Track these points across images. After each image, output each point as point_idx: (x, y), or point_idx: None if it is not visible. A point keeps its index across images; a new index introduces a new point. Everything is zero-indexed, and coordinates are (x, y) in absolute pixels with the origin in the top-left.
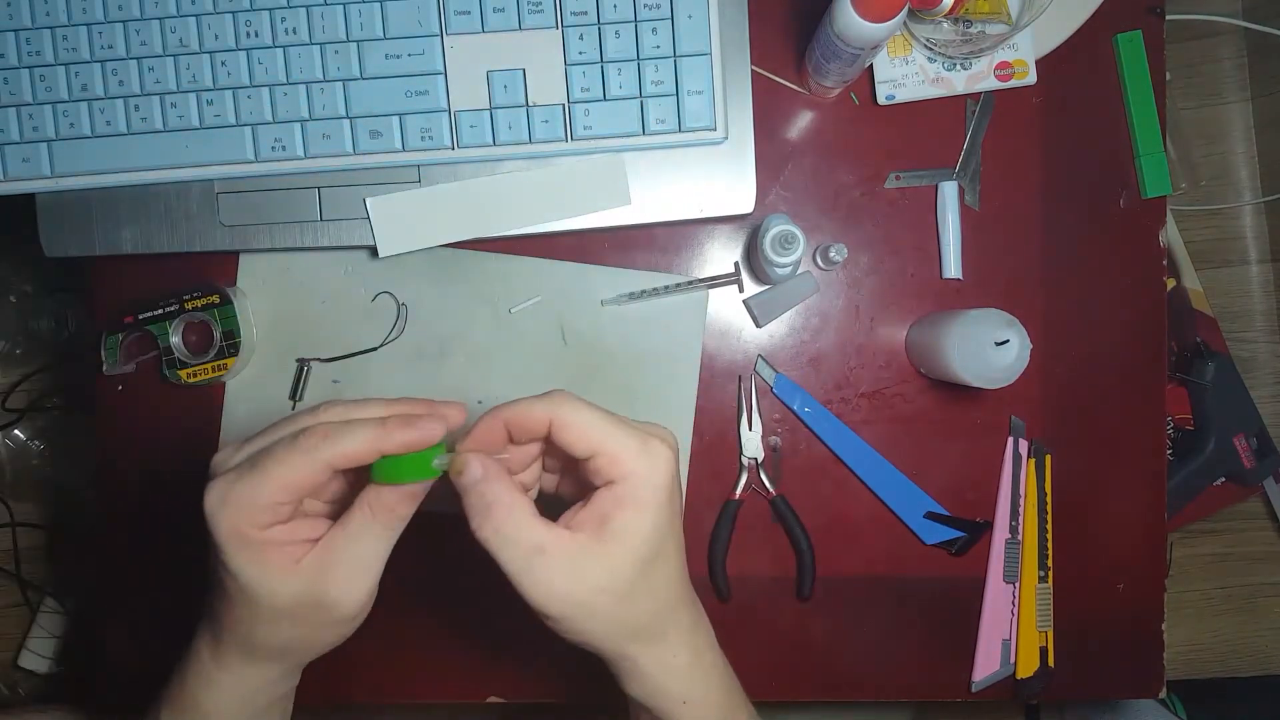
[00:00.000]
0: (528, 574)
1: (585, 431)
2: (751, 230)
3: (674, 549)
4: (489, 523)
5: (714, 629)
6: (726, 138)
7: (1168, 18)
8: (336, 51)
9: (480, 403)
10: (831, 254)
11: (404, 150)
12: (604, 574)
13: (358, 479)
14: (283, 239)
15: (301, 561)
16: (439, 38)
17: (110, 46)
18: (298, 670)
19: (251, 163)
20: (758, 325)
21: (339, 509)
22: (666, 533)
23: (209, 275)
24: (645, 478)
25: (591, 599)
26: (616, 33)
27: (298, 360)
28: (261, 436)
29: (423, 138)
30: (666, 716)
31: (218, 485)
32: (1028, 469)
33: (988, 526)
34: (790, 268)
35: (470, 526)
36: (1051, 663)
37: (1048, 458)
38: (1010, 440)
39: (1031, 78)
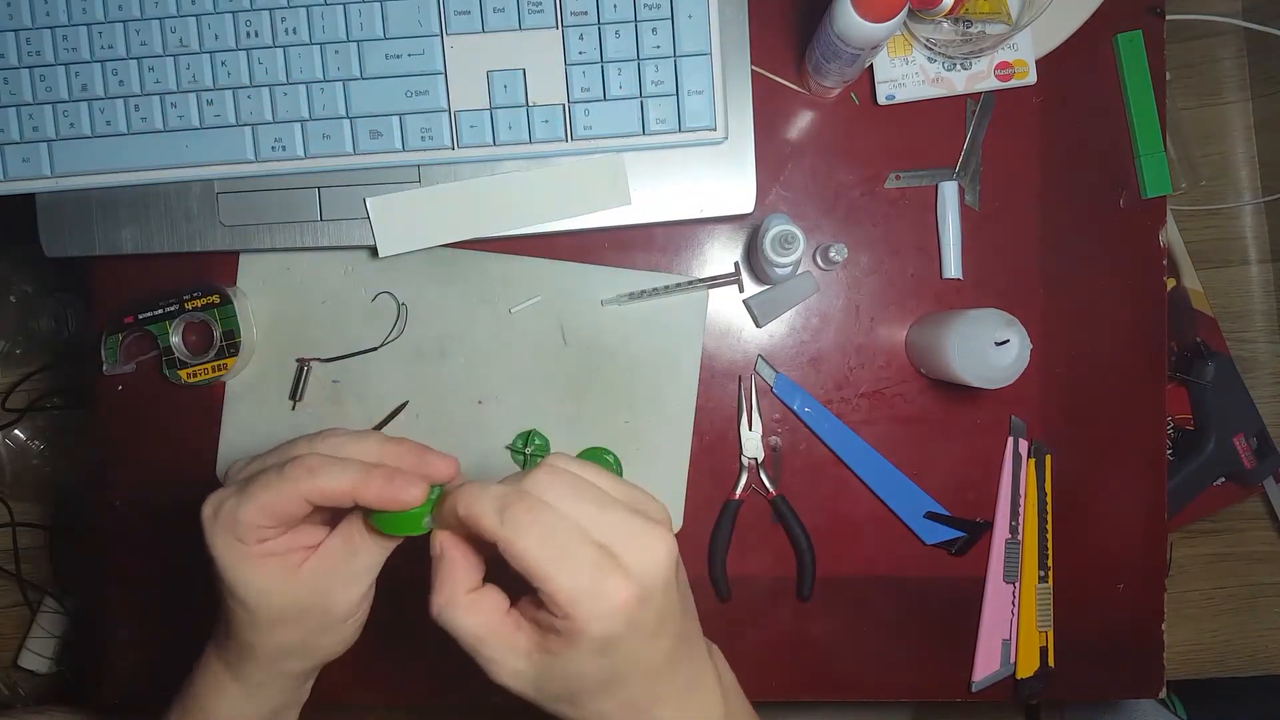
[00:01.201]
0: (475, 653)
1: (523, 562)
2: (751, 230)
3: (638, 673)
4: (437, 601)
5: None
6: (726, 138)
7: (1168, 18)
8: (336, 51)
9: (480, 403)
10: (831, 254)
11: (404, 150)
12: (539, 680)
13: None
14: (283, 239)
15: (301, 568)
16: (439, 38)
17: (110, 46)
18: (306, 680)
19: (251, 163)
20: (758, 325)
21: (339, 515)
22: (620, 667)
23: (209, 275)
24: (583, 626)
25: (531, 693)
26: (616, 33)
27: (298, 360)
28: (266, 455)
29: (423, 138)
30: None
31: (213, 499)
32: (1028, 469)
33: (988, 526)
34: (790, 268)
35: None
36: (1051, 663)
37: (1048, 458)
38: (1010, 440)
39: (1031, 78)
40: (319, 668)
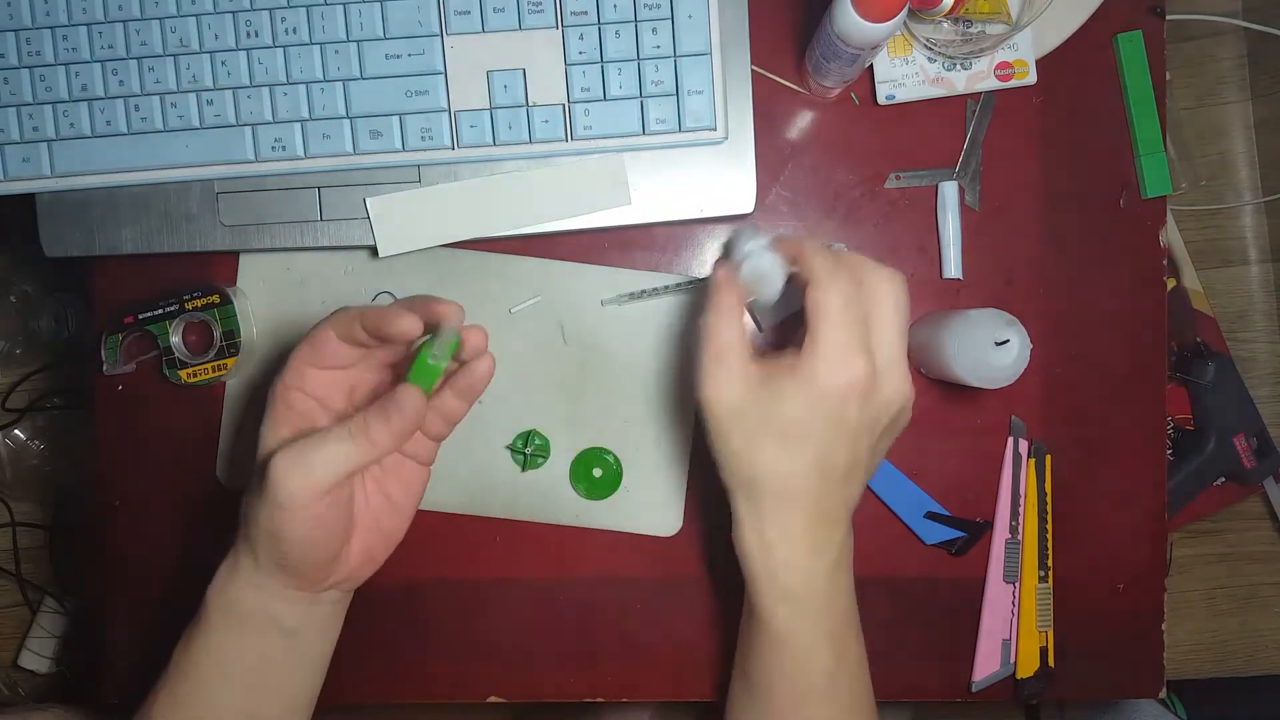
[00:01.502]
0: (703, 367)
1: (818, 305)
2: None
3: (838, 438)
4: (708, 315)
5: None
6: (726, 138)
7: (1168, 18)
8: (336, 51)
9: (480, 402)
10: None
11: (404, 150)
12: (748, 399)
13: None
14: (283, 239)
15: (287, 434)
16: (439, 38)
17: (110, 46)
18: (309, 595)
19: (251, 163)
20: (759, 329)
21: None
22: (811, 424)
23: (209, 275)
24: (817, 371)
25: (730, 417)
26: (616, 33)
27: None
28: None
29: (423, 138)
30: (749, 586)
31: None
32: (1028, 469)
33: (988, 526)
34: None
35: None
36: (1051, 663)
37: (1048, 458)
38: (1010, 440)
39: (1032, 78)
40: (314, 584)
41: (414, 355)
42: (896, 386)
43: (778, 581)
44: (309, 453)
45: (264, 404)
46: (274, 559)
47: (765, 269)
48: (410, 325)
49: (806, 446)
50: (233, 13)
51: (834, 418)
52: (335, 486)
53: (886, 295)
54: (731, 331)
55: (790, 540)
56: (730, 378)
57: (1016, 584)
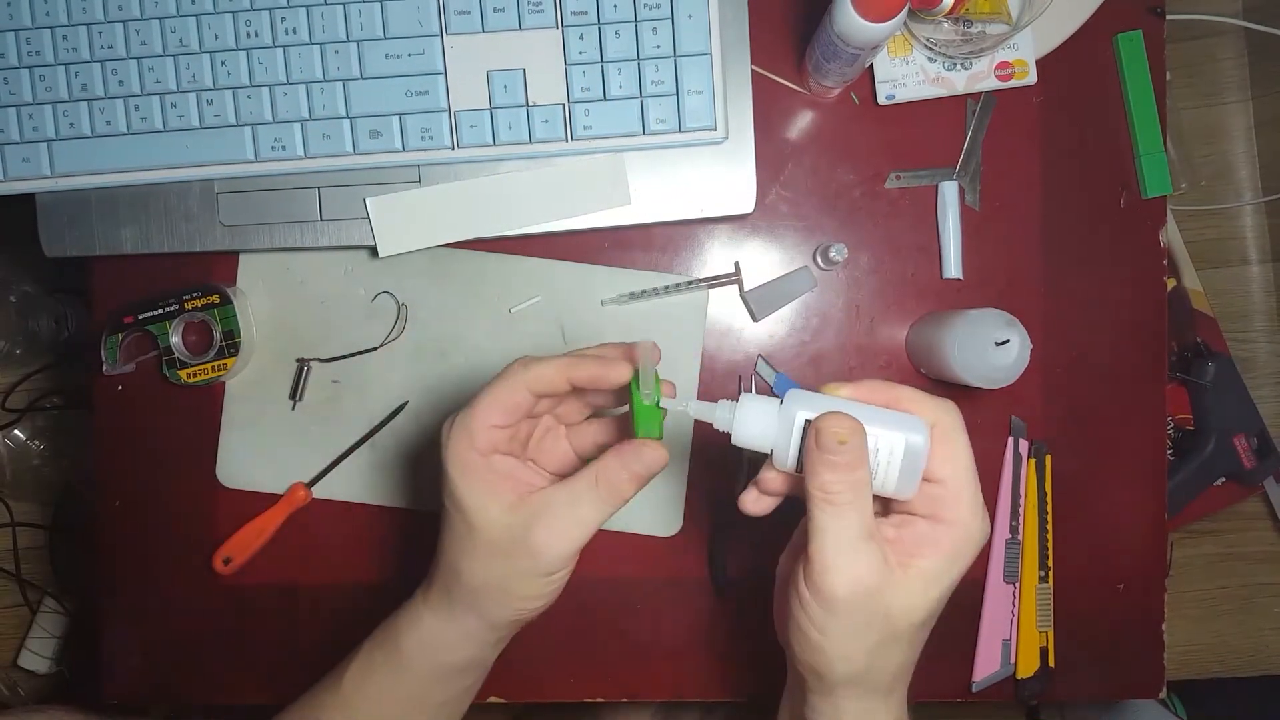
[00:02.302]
0: (834, 550)
1: (953, 456)
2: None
3: (922, 634)
4: (838, 490)
5: (713, 627)
6: (726, 138)
7: (1168, 18)
8: (336, 51)
9: None
10: (831, 254)
11: (404, 150)
12: (879, 587)
13: (582, 440)
14: (283, 239)
15: (522, 500)
16: (439, 38)
17: (110, 46)
18: (495, 638)
19: (251, 162)
20: (755, 319)
21: (569, 467)
22: (937, 607)
23: (209, 275)
24: (967, 537)
25: (846, 602)
26: (616, 32)
27: (298, 360)
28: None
29: (423, 138)
30: None
31: (449, 420)
32: (1028, 469)
33: None
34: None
35: (812, 469)
36: (1052, 663)
37: (1048, 458)
38: (1010, 440)
39: (1032, 78)
40: (510, 628)
41: (631, 404)
42: (985, 532)
43: None
44: (569, 519)
45: (446, 466)
46: (510, 615)
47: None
48: (625, 372)
49: (901, 639)
50: (233, 13)
51: (942, 596)
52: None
53: (964, 441)
54: (865, 511)
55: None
56: (857, 564)
57: (1017, 584)
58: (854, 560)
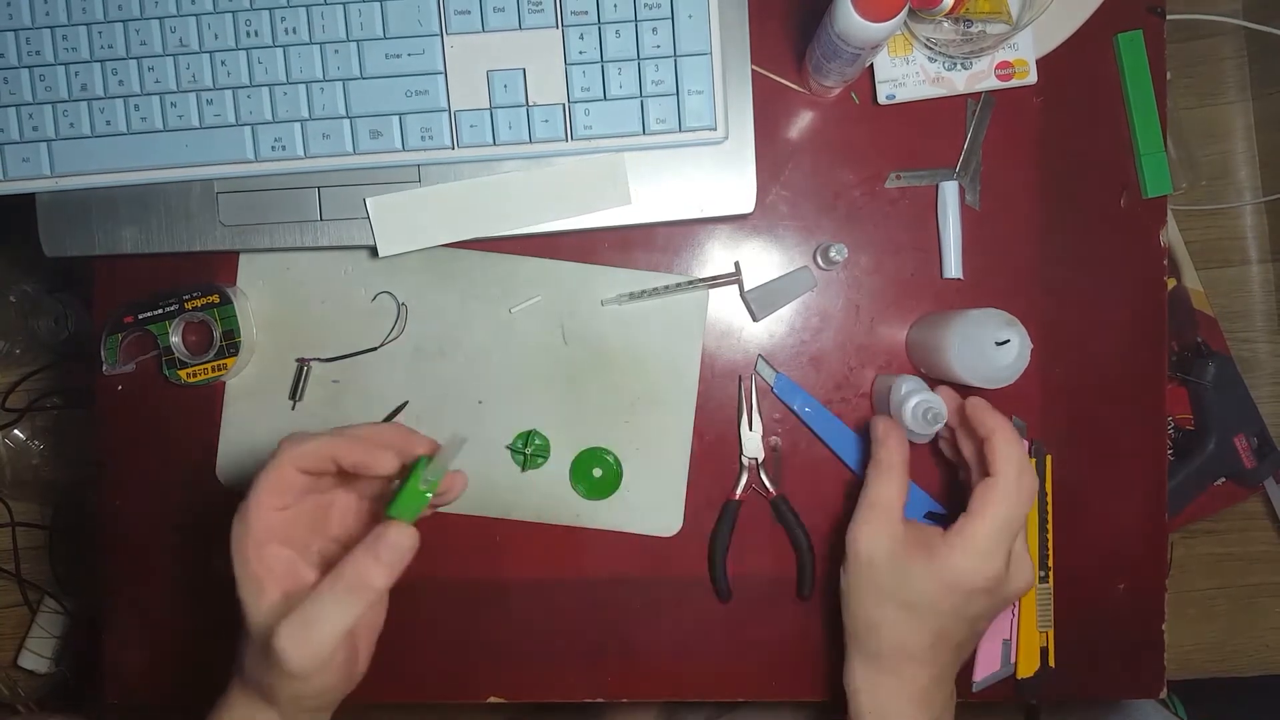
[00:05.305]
0: (859, 510)
1: (989, 503)
2: (885, 387)
3: (960, 621)
4: (873, 467)
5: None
6: (727, 137)
7: (1168, 18)
8: (336, 51)
9: (480, 403)
10: (831, 254)
11: (404, 150)
12: (889, 559)
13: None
14: (283, 239)
15: (285, 598)
16: (439, 37)
17: (110, 46)
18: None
19: (251, 162)
20: (755, 319)
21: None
22: (935, 607)
23: (209, 275)
24: (957, 560)
25: (869, 565)
26: (617, 32)
27: (298, 360)
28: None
29: (423, 137)
30: None
31: (238, 508)
32: None
33: None
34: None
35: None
36: (1052, 663)
37: (1048, 458)
38: None
39: (1032, 77)
40: (315, 715)
41: (404, 481)
42: (1024, 578)
43: None
44: (310, 624)
45: (231, 558)
46: (300, 712)
47: (936, 412)
48: (392, 464)
49: (930, 621)
50: (233, 12)
51: (961, 607)
52: (343, 639)
53: (1030, 497)
54: (891, 487)
55: (900, 694)
56: (879, 530)
57: None
58: (877, 527)
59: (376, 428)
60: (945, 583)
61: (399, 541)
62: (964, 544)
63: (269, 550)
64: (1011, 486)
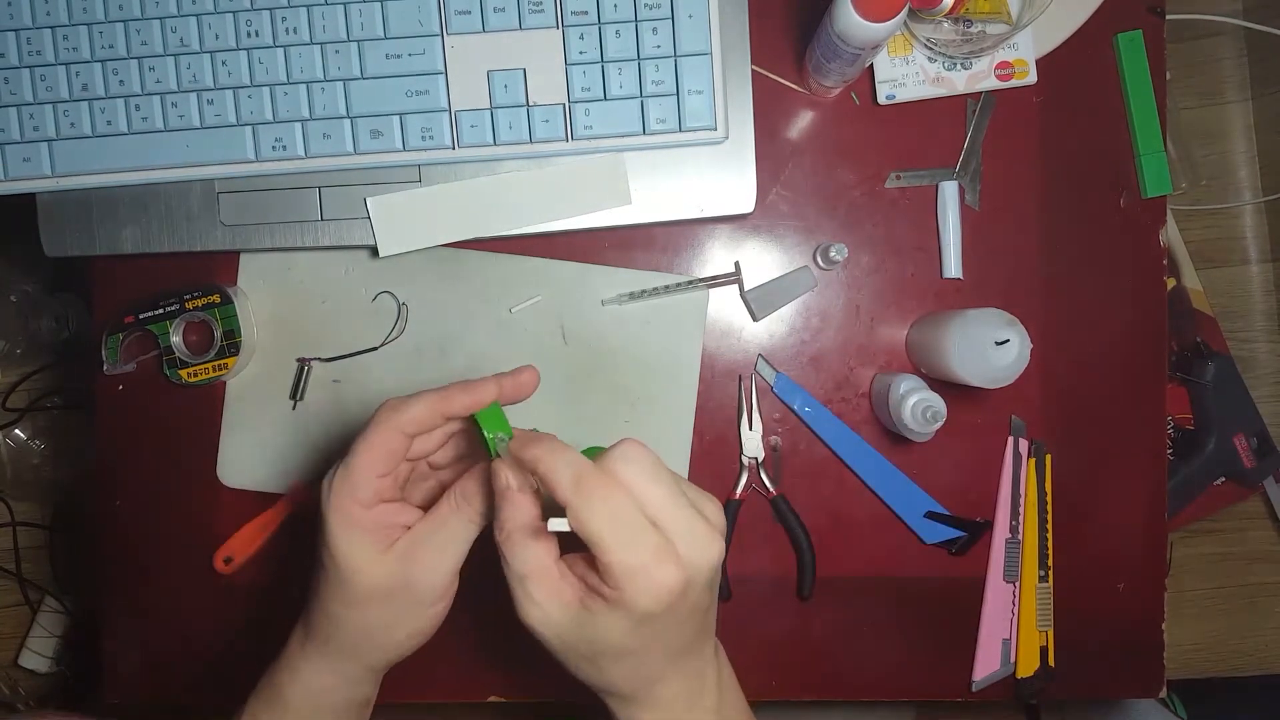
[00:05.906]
0: (518, 587)
1: (587, 531)
2: (884, 385)
3: (658, 650)
4: (503, 528)
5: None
6: (727, 137)
7: (1168, 18)
8: (337, 51)
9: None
10: (831, 254)
11: (404, 150)
12: (572, 628)
13: (452, 475)
14: (283, 238)
15: (395, 544)
16: (439, 37)
17: (110, 46)
18: (374, 677)
19: (252, 162)
20: (754, 319)
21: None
22: (646, 641)
23: (209, 275)
24: (630, 598)
25: (560, 642)
26: (617, 32)
27: (298, 360)
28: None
29: (423, 137)
30: None
31: (330, 474)
32: (1028, 469)
33: (988, 526)
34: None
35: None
36: (1052, 663)
37: (1048, 458)
38: (1010, 440)
39: (1032, 77)
40: (389, 665)
41: (482, 436)
42: (702, 554)
43: None
44: (438, 544)
45: (325, 527)
46: (392, 656)
47: (936, 411)
48: (493, 390)
49: (649, 654)
50: (233, 13)
51: (664, 626)
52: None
53: (633, 469)
54: (529, 551)
55: (665, 710)
56: (544, 604)
57: (1017, 583)
58: (539, 601)
59: (457, 384)
60: (633, 623)
61: (509, 479)
62: (614, 582)
63: (379, 508)
64: (577, 498)
